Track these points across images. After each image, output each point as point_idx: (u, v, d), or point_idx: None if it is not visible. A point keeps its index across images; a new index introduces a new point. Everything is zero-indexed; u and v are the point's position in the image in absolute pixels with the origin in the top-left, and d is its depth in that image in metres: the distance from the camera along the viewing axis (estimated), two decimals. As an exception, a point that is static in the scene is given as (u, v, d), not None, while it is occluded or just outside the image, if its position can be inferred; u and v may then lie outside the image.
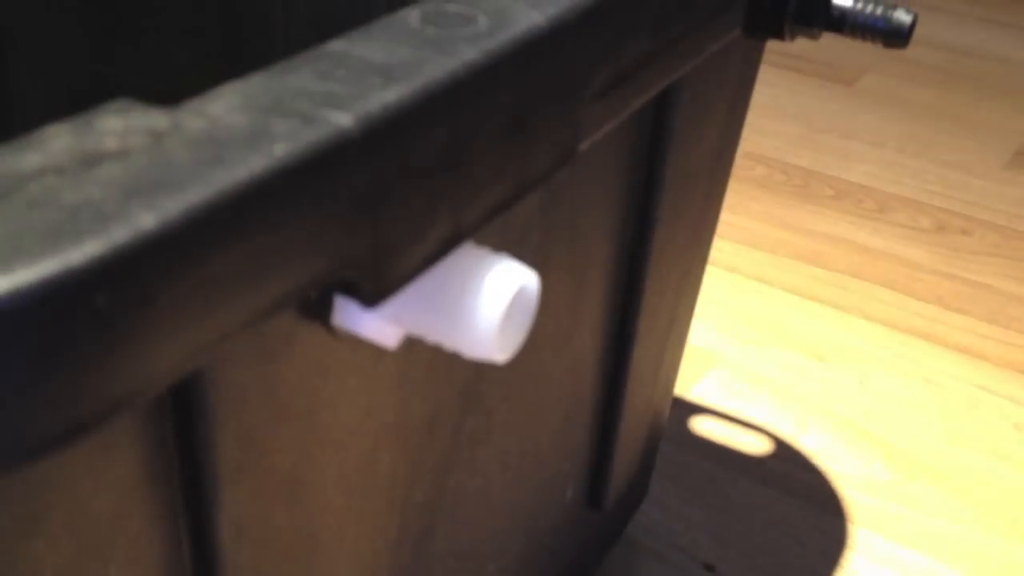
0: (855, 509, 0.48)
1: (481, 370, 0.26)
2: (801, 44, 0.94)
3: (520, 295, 0.18)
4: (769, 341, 0.59)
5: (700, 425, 0.53)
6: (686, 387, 0.55)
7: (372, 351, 0.20)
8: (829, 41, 0.98)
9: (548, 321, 0.29)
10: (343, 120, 0.14)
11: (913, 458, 0.51)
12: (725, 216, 0.71)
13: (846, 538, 0.46)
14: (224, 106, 0.14)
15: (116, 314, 0.11)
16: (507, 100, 0.16)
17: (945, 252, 0.68)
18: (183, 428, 0.17)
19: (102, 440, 0.15)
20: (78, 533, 0.15)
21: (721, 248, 0.67)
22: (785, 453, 0.51)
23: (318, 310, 0.18)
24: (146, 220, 0.12)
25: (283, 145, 0.13)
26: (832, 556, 0.45)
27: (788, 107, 0.85)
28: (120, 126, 0.13)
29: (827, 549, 0.46)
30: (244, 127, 0.13)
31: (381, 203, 0.15)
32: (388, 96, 0.14)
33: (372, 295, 0.15)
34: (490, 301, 0.17)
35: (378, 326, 0.18)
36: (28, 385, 0.11)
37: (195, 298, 0.12)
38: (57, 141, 0.13)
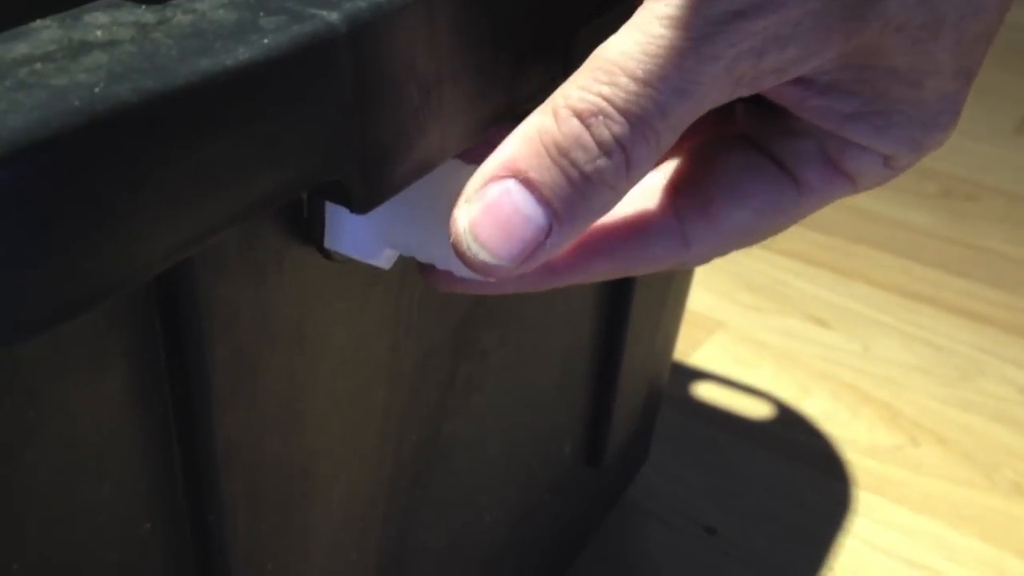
0: (858, 473, 0.48)
1: (474, 314, 0.26)
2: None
3: None
4: (771, 306, 0.59)
5: (702, 390, 0.52)
6: (687, 352, 0.55)
7: (363, 280, 0.20)
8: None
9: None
10: (331, 17, 0.14)
11: (916, 422, 0.51)
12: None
13: (849, 502, 0.46)
14: (212, 2, 0.14)
15: (103, 192, 0.11)
16: (500, 9, 0.16)
17: (950, 217, 0.68)
18: (174, 346, 0.16)
19: (92, 353, 0.15)
20: (71, 447, 0.15)
21: (724, 217, 0.66)
22: (787, 418, 0.51)
23: (309, 229, 0.18)
24: (132, 101, 0.12)
25: (271, 38, 0.13)
26: (835, 520, 0.45)
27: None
28: (108, 20, 0.13)
29: (830, 513, 0.46)
30: (232, 21, 0.13)
31: (369, 104, 0.14)
32: (378, -4, 0.14)
33: (362, 200, 0.15)
34: None
35: (368, 244, 0.18)
36: (16, 262, 0.11)
37: (183, 182, 0.12)
38: (46, 32, 0.13)
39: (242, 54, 0.13)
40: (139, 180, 0.12)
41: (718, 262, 0.62)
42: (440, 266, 0.18)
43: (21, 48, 0.12)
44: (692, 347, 0.55)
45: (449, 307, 0.24)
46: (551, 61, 0.19)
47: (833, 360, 0.55)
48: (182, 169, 0.12)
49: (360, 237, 0.17)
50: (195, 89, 0.12)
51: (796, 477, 0.47)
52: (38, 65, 0.12)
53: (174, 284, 0.16)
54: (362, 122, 0.14)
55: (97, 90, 0.11)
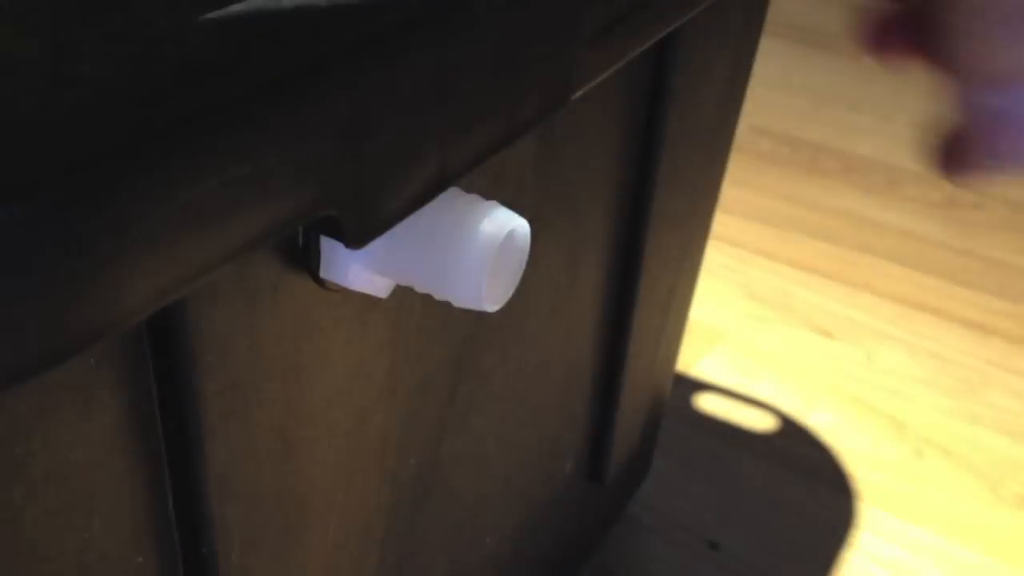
0: (863, 486, 0.47)
1: (474, 334, 0.25)
2: (807, 16, 0.92)
3: (510, 241, 0.17)
4: (775, 317, 0.59)
5: (704, 402, 0.52)
6: (690, 363, 0.54)
7: (360, 307, 0.19)
8: (835, 13, 0.97)
9: (544, 285, 0.28)
10: (326, 50, 0.13)
11: (922, 435, 0.51)
12: (731, 190, 0.70)
13: (853, 515, 0.46)
14: (203, 35, 0.13)
15: (89, 236, 0.11)
16: (497, 35, 0.16)
17: (956, 226, 0.67)
18: (166, 378, 0.16)
19: (81, 388, 0.15)
20: (60, 482, 0.15)
21: (726, 223, 0.66)
22: (791, 430, 0.50)
23: (305, 258, 0.17)
24: (120, 141, 0.11)
25: (264, 70, 0.13)
26: (839, 533, 0.45)
27: (794, 80, 0.84)
28: (99, 51, 0.13)
29: (834, 526, 0.45)
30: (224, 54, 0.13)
31: (365, 136, 0.14)
32: (372, 25, 0.14)
33: (358, 235, 0.15)
34: (479, 245, 0.16)
35: (366, 275, 0.17)
36: (1, 308, 0.11)
37: (171, 223, 0.12)
38: (35, 67, 0.12)
39: (235, 88, 0.12)
40: (125, 222, 0.11)
41: (721, 271, 0.62)
42: (437, 297, 0.17)
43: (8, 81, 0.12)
44: (695, 358, 0.55)
45: (449, 329, 0.24)
46: (556, 83, 0.18)
47: (837, 372, 0.54)
48: (170, 209, 0.12)
49: (356, 268, 0.17)
50: (185, 127, 0.12)
51: (800, 490, 0.47)
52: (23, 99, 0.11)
53: (165, 316, 0.15)
54: (358, 154, 0.14)
55: (84, 129, 0.11)
